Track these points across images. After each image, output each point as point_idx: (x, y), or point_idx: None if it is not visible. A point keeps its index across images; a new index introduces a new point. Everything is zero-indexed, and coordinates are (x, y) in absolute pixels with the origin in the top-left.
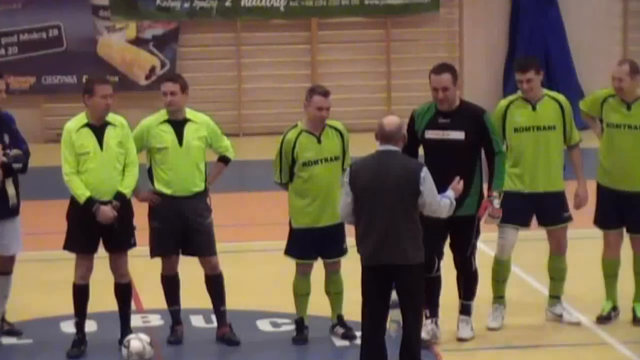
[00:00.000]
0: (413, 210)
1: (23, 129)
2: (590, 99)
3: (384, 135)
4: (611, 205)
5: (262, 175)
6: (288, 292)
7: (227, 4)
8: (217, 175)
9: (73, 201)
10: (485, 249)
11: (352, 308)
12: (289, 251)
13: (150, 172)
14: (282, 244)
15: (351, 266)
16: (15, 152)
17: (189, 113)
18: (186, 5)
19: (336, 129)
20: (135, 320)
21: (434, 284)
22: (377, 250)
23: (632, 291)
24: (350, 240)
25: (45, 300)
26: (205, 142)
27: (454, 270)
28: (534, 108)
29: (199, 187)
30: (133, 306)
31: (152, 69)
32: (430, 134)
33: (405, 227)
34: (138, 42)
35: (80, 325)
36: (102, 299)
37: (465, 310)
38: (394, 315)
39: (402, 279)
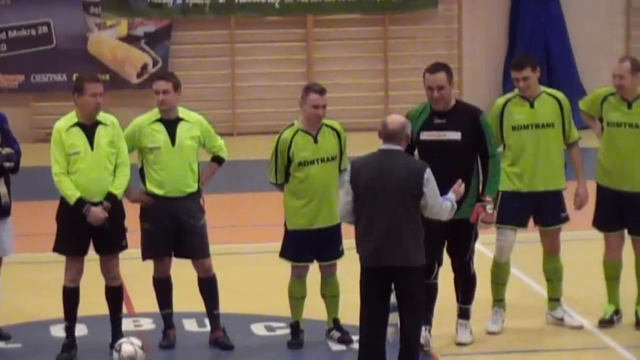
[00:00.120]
0: (415, 211)
1: (12, 129)
2: (590, 98)
3: (387, 134)
4: (611, 206)
5: (256, 175)
6: (283, 295)
7: (221, 0)
8: (211, 176)
9: (63, 202)
10: (484, 251)
11: (349, 311)
12: (284, 253)
13: (142, 172)
14: (277, 246)
15: (348, 268)
16: (7, 150)
17: (182, 112)
18: (179, 1)
19: (333, 129)
20: (127, 324)
21: (431, 291)
22: (378, 251)
23: (635, 294)
24: (347, 242)
25: (34, 304)
26: (198, 141)
27: (450, 272)
28: (532, 106)
29: (192, 187)
30: (124, 310)
31: (144, 67)
32: (426, 135)
33: (407, 227)
34: (129, 39)
35: (70, 329)
36: (93, 302)
37: (463, 314)
38: (392, 319)
39: (403, 281)
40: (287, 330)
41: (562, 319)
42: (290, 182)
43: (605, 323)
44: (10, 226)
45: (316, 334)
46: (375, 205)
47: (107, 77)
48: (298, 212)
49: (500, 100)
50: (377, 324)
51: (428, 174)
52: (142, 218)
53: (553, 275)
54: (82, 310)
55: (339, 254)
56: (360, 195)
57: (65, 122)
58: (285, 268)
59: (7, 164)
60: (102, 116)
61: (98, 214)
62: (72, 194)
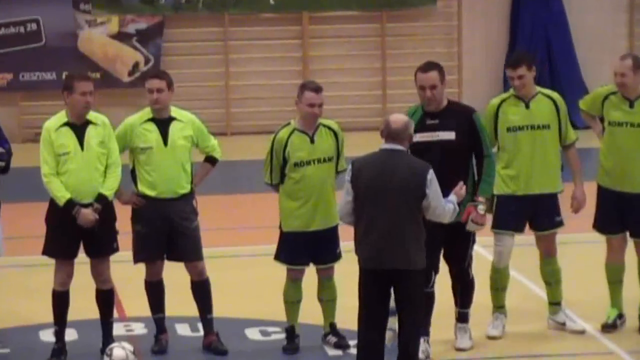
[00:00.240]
0: (417, 212)
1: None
2: (591, 97)
3: (389, 133)
4: (612, 207)
5: (251, 176)
6: (278, 299)
7: None
8: (204, 177)
9: (52, 204)
10: (483, 253)
11: (346, 315)
12: (279, 256)
13: (133, 173)
14: (272, 248)
15: (345, 271)
16: None
17: (174, 111)
18: None
19: (330, 129)
20: (118, 329)
21: (428, 300)
22: (379, 252)
23: (638, 298)
24: (345, 245)
25: (23, 308)
26: (191, 141)
27: (445, 276)
28: (527, 106)
29: (185, 188)
30: (115, 314)
31: (136, 65)
32: (419, 137)
33: (410, 228)
34: (121, 36)
35: (60, 334)
36: (83, 306)
37: (462, 318)
38: (390, 323)
39: (403, 285)
40: (283, 335)
41: (564, 324)
42: (285, 182)
43: (609, 327)
44: (0, 228)
45: (312, 338)
46: (376, 206)
47: (98, 75)
48: (293, 214)
49: (495, 101)
50: (377, 327)
51: (431, 175)
52: (133, 220)
53: (551, 277)
54: (72, 315)
55: (336, 257)
56: (361, 195)
57: (55, 122)
58: (280, 271)
59: None
60: (92, 116)
61: (88, 215)
62: (62, 195)
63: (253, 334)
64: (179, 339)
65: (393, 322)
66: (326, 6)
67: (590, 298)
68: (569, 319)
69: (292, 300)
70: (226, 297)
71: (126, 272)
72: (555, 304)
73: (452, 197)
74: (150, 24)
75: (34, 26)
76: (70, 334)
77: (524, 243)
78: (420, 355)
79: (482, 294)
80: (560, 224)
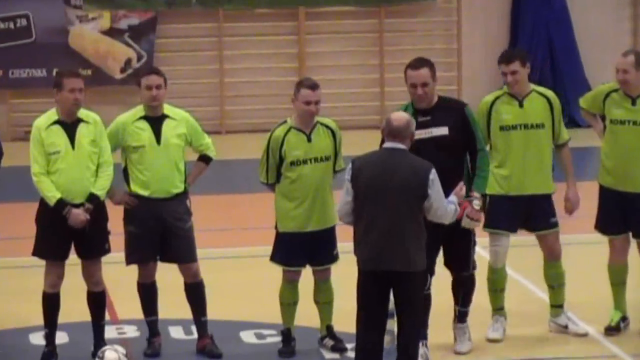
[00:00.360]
0: (418, 212)
1: None
2: (591, 95)
3: (391, 131)
4: (614, 207)
5: (246, 175)
6: (274, 301)
7: None
8: (198, 176)
9: (42, 204)
10: (482, 253)
11: (343, 318)
12: (275, 257)
13: (125, 172)
14: (268, 249)
15: (342, 273)
16: None
17: (167, 109)
18: None
19: (328, 127)
20: (110, 332)
21: (425, 302)
22: (379, 253)
23: None
24: (342, 246)
25: (12, 310)
26: (185, 139)
27: (439, 278)
28: (521, 105)
29: (179, 188)
30: (107, 316)
31: (128, 62)
32: None
33: (410, 227)
34: (113, 32)
35: (50, 337)
36: (74, 308)
37: (461, 317)
38: (388, 326)
39: (403, 286)
40: (278, 338)
41: (566, 327)
42: (281, 182)
43: (612, 330)
44: None
45: (308, 341)
46: (376, 205)
47: (89, 72)
48: (289, 214)
49: (488, 98)
50: (376, 328)
51: (433, 175)
52: (125, 220)
53: (555, 281)
54: (62, 317)
55: (333, 258)
56: (361, 195)
57: (45, 120)
58: (276, 273)
59: None
60: (83, 113)
61: (79, 216)
62: (52, 195)
63: (248, 336)
64: (172, 342)
65: (391, 325)
66: (323, 2)
67: (593, 300)
68: (571, 322)
69: (288, 302)
70: (220, 299)
71: (118, 274)
72: (557, 306)
73: (453, 197)
74: (142, 19)
75: (23, 22)
76: (61, 337)
77: (524, 244)
78: (419, 359)
79: (481, 295)
80: (555, 224)
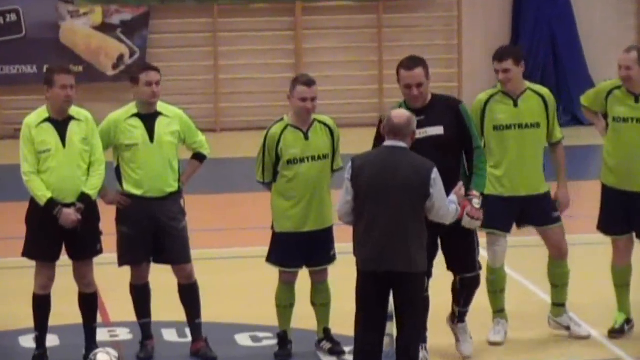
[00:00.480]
0: (421, 211)
1: None
2: (593, 92)
3: (391, 129)
4: (617, 207)
5: (241, 174)
6: (270, 303)
7: None
8: (192, 174)
9: (33, 203)
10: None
11: (341, 321)
12: (271, 258)
13: (118, 171)
14: (264, 250)
15: (339, 274)
16: None
17: (160, 106)
18: None
19: (326, 125)
20: (102, 334)
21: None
22: (379, 253)
23: None
24: (340, 247)
25: (1, 312)
26: (178, 137)
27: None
28: (515, 104)
29: (172, 187)
30: (99, 319)
31: (120, 58)
32: None
33: (412, 226)
34: (105, 28)
35: (40, 340)
36: (65, 310)
37: (461, 317)
38: (387, 329)
39: (404, 288)
40: (274, 341)
41: (568, 328)
42: (278, 181)
43: (616, 333)
44: None
45: (305, 345)
46: (377, 204)
47: (81, 68)
48: (286, 214)
49: (482, 97)
50: (376, 330)
51: (435, 174)
52: (118, 220)
53: (559, 280)
54: (53, 320)
55: (330, 259)
56: (362, 194)
57: (36, 118)
58: (272, 274)
59: None
60: (74, 111)
61: (70, 216)
62: (43, 195)
63: (243, 339)
64: (165, 345)
65: (390, 328)
66: None
67: (596, 302)
68: (573, 323)
69: (285, 305)
70: (215, 301)
71: (110, 275)
72: (559, 305)
73: (453, 197)
74: (135, 14)
75: (13, 17)
76: (51, 340)
77: (524, 244)
78: None
79: (482, 296)
80: (558, 219)
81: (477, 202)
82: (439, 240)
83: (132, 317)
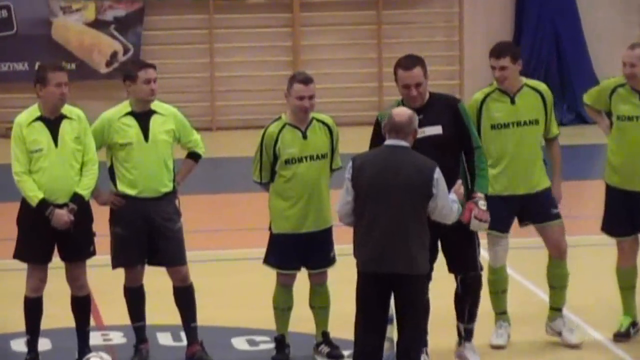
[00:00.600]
0: (423, 212)
1: None
2: (596, 90)
3: (392, 127)
4: (622, 207)
5: (238, 174)
6: (267, 306)
7: None
8: (187, 174)
9: (24, 204)
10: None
11: (340, 324)
12: (268, 259)
13: (111, 171)
14: (261, 252)
15: (338, 276)
16: None
17: (154, 104)
18: None
19: (324, 124)
20: (95, 338)
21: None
22: (380, 253)
23: None
24: (339, 249)
25: None
26: (173, 136)
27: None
28: (512, 101)
29: (167, 187)
30: (92, 322)
31: (114, 55)
32: None
33: (414, 227)
34: (98, 24)
35: (32, 344)
36: (58, 313)
37: (468, 335)
38: (387, 332)
39: (405, 290)
40: (272, 345)
41: (560, 333)
42: (276, 181)
43: (621, 336)
44: None
45: (303, 348)
46: (378, 204)
47: (73, 66)
48: (284, 214)
49: (478, 96)
50: (376, 331)
51: (438, 173)
52: (112, 221)
53: (557, 282)
54: (45, 323)
55: (329, 261)
56: (363, 194)
57: (27, 116)
58: (270, 276)
59: None
60: (67, 109)
61: (63, 217)
62: (35, 195)
63: (240, 343)
64: (160, 349)
65: (391, 332)
66: None
67: (601, 305)
68: (566, 329)
69: (282, 307)
70: (211, 304)
71: (104, 278)
72: (555, 309)
73: (453, 196)
74: (129, 10)
75: (4, 13)
76: (43, 344)
77: (525, 245)
78: None
79: (484, 299)
80: (558, 216)
81: (482, 204)
82: (439, 242)
83: (126, 320)
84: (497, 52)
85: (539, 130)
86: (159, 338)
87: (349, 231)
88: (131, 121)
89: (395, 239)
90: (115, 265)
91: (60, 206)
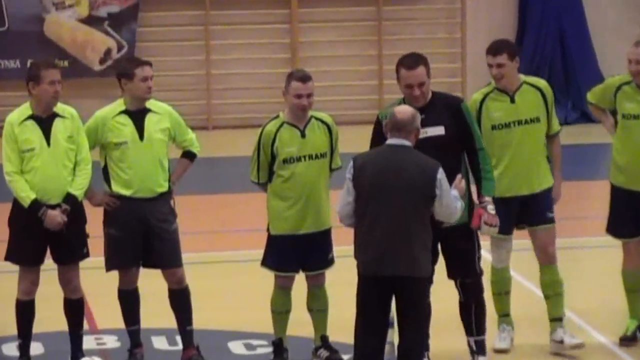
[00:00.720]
0: (425, 212)
1: None
2: (601, 88)
3: (394, 125)
4: (627, 208)
5: (235, 174)
6: (265, 309)
7: None
8: (182, 174)
9: (16, 205)
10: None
11: (339, 327)
12: (266, 261)
13: (105, 171)
14: (259, 254)
15: (337, 279)
16: None
17: (148, 102)
18: None
19: (324, 122)
20: (88, 342)
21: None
22: (382, 254)
23: None
24: (338, 250)
25: None
26: (169, 134)
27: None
28: (512, 100)
29: (163, 187)
30: (86, 325)
31: (108, 52)
32: None
33: (416, 227)
34: (91, 21)
35: (24, 347)
36: (50, 317)
37: (480, 349)
38: (388, 336)
39: (407, 293)
40: (269, 349)
41: (561, 342)
42: (274, 181)
43: (627, 340)
44: None
45: (302, 352)
46: (380, 204)
47: (66, 63)
48: (282, 215)
49: (477, 96)
50: (377, 334)
51: (441, 174)
52: (106, 222)
53: (550, 289)
54: (37, 326)
55: (328, 263)
56: (364, 194)
57: (18, 115)
58: (267, 279)
59: None
60: (59, 108)
61: (56, 217)
62: (27, 196)
63: (237, 347)
64: (155, 353)
65: (391, 336)
66: None
67: (606, 308)
68: (567, 335)
69: (280, 311)
70: (207, 307)
71: (97, 280)
72: (554, 320)
73: (454, 192)
74: (123, 6)
75: None
76: (36, 348)
77: (526, 247)
78: None
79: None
80: (551, 220)
81: (491, 208)
82: (439, 244)
83: (120, 324)
84: (494, 49)
85: (541, 128)
86: (154, 342)
87: (348, 232)
88: (126, 120)
89: (396, 240)
90: (109, 267)
91: (53, 207)
